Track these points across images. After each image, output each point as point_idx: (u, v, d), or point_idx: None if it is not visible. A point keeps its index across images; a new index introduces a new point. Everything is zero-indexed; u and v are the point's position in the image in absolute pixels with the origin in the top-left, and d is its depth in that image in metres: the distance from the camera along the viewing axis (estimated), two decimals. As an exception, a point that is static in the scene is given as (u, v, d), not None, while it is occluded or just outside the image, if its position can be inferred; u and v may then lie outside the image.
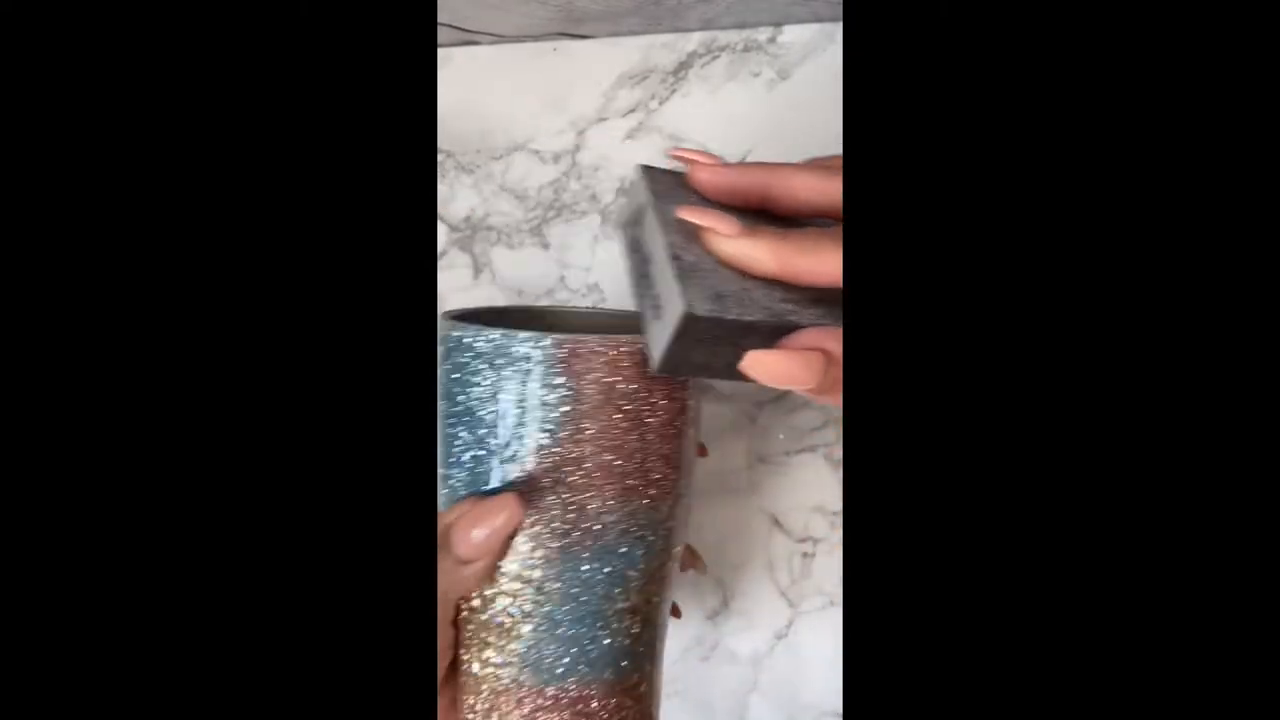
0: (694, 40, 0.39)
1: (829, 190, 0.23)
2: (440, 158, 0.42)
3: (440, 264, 0.43)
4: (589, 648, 0.27)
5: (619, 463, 0.26)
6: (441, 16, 0.35)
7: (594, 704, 0.27)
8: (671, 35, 0.39)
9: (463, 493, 0.28)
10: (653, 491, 0.27)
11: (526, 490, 0.26)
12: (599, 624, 0.27)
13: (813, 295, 0.22)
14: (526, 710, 0.27)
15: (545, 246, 0.42)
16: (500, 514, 0.26)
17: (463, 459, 0.28)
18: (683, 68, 0.39)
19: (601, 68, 0.40)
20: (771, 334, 0.22)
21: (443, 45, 0.41)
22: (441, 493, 0.29)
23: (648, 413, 0.27)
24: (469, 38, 0.40)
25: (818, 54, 0.38)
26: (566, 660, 0.27)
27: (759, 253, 0.22)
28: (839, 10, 0.35)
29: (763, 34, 0.38)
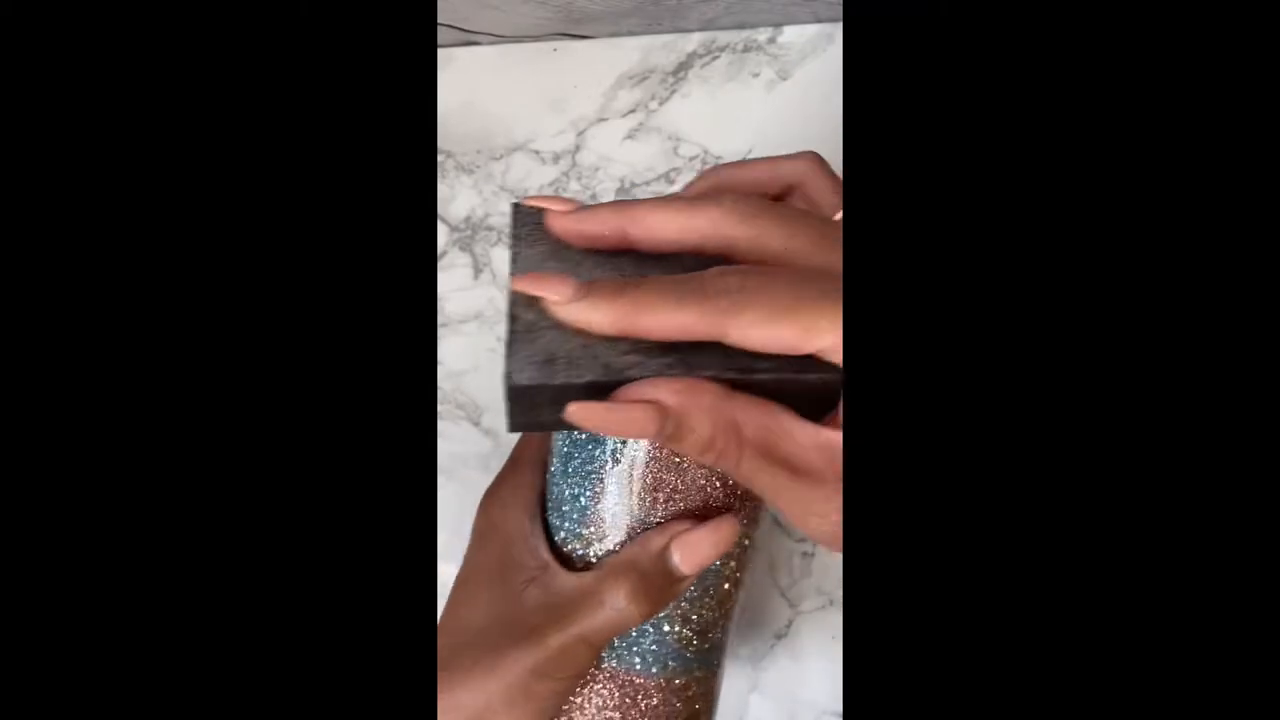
0: (694, 40, 0.39)
1: (689, 226, 0.23)
2: (440, 158, 0.42)
3: (440, 264, 0.43)
4: (641, 639, 0.29)
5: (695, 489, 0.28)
6: (442, 16, 0.35)
7: (639, 691, 0.29)
8: (671, 35, 0.39)
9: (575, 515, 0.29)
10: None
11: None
12: (653, 620, 0.28)
13: (663, 345, 0.22)
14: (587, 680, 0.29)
15: (545, 246, 0.42)
16: (724, 533, 0.27)
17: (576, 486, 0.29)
18: (683, 68, 0.39)
19: (601, 68, 0.40)
20: (609, 391, 0.22)
21: (443, 45, 0.41)
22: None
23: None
24: (469, 38, 0.40)
25: (818, 54, 0.38)
26: (621, 646, 0.29)
27: (594, 314, 0.21)
28: (839, 10, 0.35)
29: (763, 34, 0.38)
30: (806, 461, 0.22)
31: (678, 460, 0.27)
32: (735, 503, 0.28)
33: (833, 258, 0.22)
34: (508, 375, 0.21)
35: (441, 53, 0.41)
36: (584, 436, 0.28)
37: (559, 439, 0.29)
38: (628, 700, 0.29)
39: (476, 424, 0.44)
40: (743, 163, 0.30)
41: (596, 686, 0.29)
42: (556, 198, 0.25)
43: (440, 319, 0.43)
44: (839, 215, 0.27)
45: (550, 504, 0.30)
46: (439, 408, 0.44)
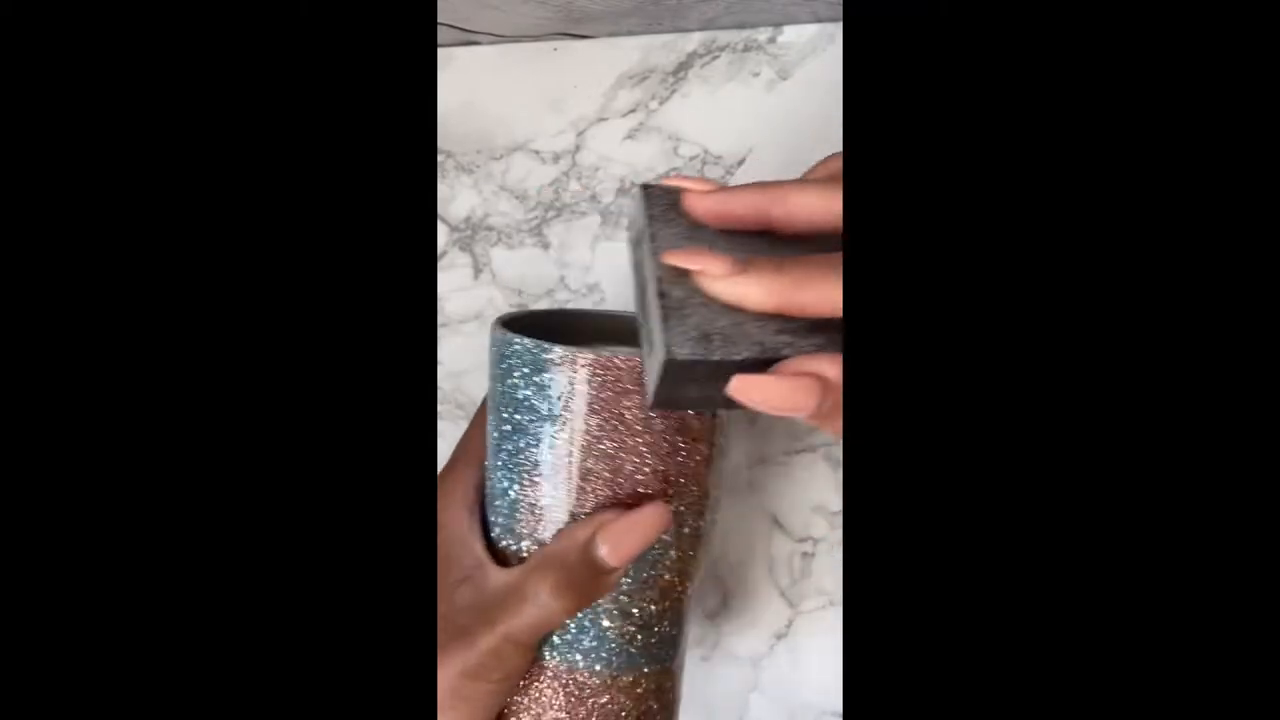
0: (694, 40, 0.39)
1: (831, 207, 0.23)
2: (440, 158, 0.42)
3: (440, 264, 0.43)
4: (581, 636, 0.28)
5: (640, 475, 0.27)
6: (442, 16, 0.35)
7: (585, 689, 0.28)
8: (671, 35, 0.39)
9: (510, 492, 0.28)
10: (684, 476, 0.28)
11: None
12: (591, 616, 0.28)
13: (811, 325, 0.22)
14: (529, 678, 0.29)
15: (545, 246, 0.42)
16: (652, 522, 0.26)
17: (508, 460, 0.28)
18: (683, 68, 0.39)
19: (601, 68, 0.40)
20: (762, 369, 0.21)
21: (443, 45, 0.41)
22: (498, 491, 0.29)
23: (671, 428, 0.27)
24: (469, 38, 0.39)
25: (818, 54, 0.38)
26: (561, 643, 0.28)
27: (752, 290, 0.21)
28: (839, 10, 0.35)
29: (763, 34, 0.38)
30: None
31: (605, 447, 0.27)
32: (671, 490, 0.28)
33: None
34: (667, 348, 0.21)
35: (441, 53, 0.41)
36: (509, 428, 0.28)
37: (491, 431, 0.29)
38: (573, 699, 0.28)
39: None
40: None
41: (541, 685, 0.28)
42: (694, 178, 0.25)
43: (440, 319, 0.43)
44: None
45: (486, 498, 0.30)
46: (439, 408, 0.44)
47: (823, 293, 0.21)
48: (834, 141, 0.38)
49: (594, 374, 0.26)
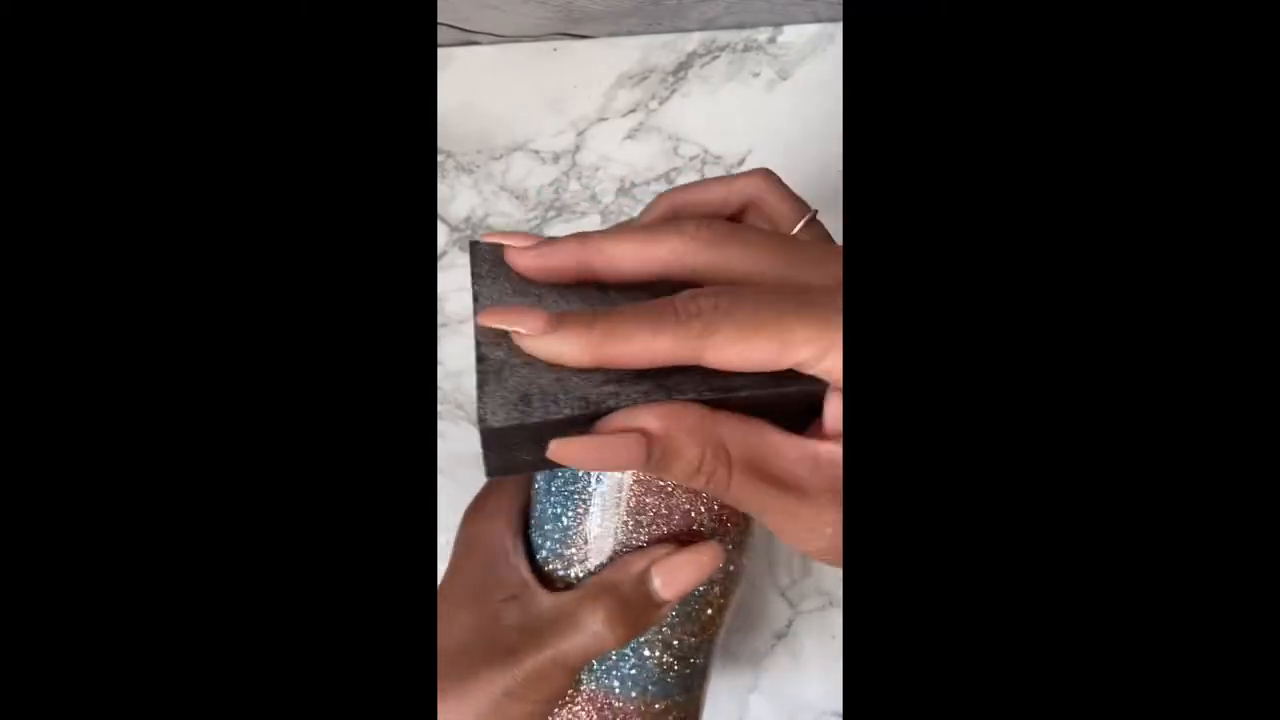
0: (694, 40, 0.39)
1: (652, 255, 0.22)
2: (440, 158, 0.42)
3: (440, 264, 0.43)
4: (621, 663, 0.29)
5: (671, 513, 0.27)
6: (441, 16, 0.35)
7: (618, 714, 0.29)
8: (671, 35, 0.39)
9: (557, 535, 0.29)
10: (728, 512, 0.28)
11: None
12: (634, 645, 0.28)
13: (637, 373, 0.21)
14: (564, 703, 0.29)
15: (545, 246, 0.42)
16: (708, 559, 0.26)
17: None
18: (683, 68, 0.39)
19: (601, 68, 0.40)
20: (589, 424, 0.21)
21: (443, 45, 0.41)
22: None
23: None
24: (469, 38, 0.40)
25: (818, 54, 0.38)
26: (600, 669, 0.28)
27: (565, 347, 0.21)
28: (839, 10, 0.35)
29: (763, 34, 0.38)
30: (795, 476, 0.22)
31: (662, 484, 0.27)
32: (720, 528, 0.28)
33: (797, 272, 0.22)
34: (481, 419, 0.20)
35: (441, 53, 0.41)
36: None
37: None
38: None
39: (476, 424, 0.44)
40: (696, 184, 0.29)
41: (575, 709, 0.28)
42: (515, 234, 0.24)
43: (440, 319, 0.43)
44: (797, 229, 0.27)
45: (533, 522, 0.30)
46: (439, 408, 0.44)
47: (637, 344, 0.20)
48: (834, 141, 0.38)
49: None
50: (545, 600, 0.27)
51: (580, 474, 0.28)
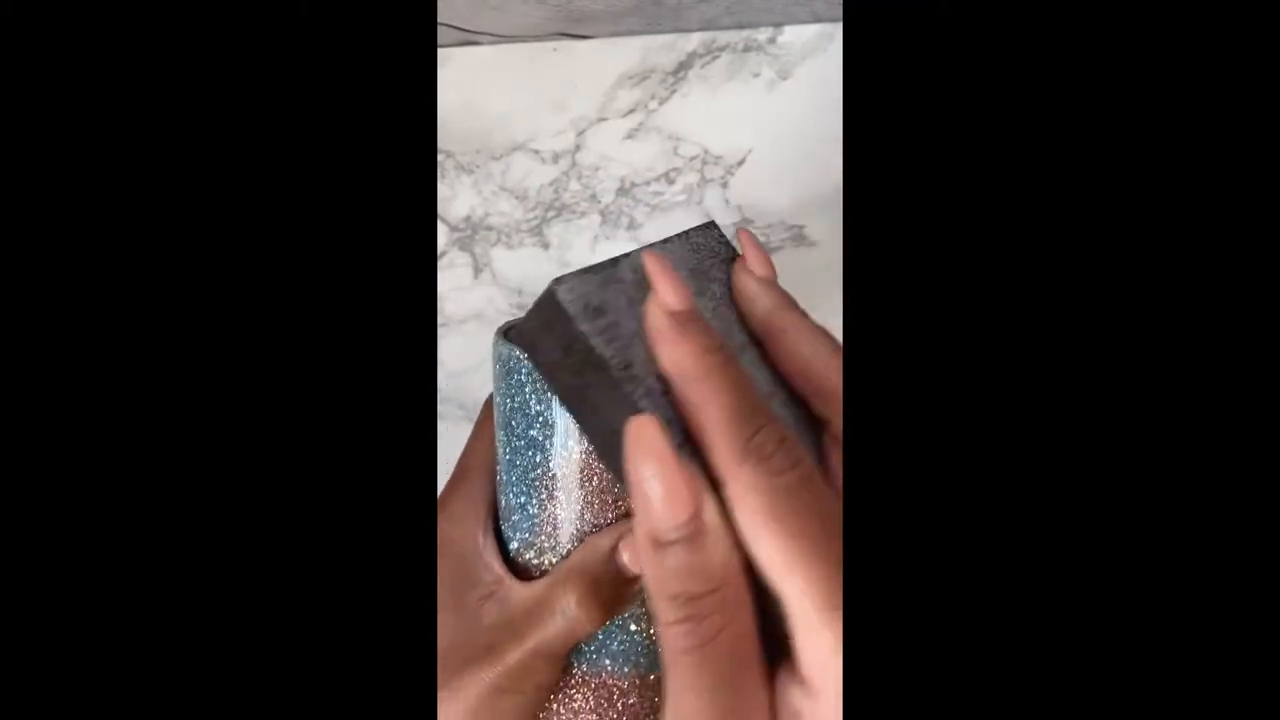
0: (694, 40, 0.39)
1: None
2: (440, 158, 0.42)
3: (440, 264, 0.43)
4: (609, 641, 0.28)
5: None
6: (441, 16, 0.35)
7: (614, 691, 0.29)
8: (671, 35, 0.39)
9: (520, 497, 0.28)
10: None
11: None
12: (619, 621, 0.28)
13: (666, 390, 0.21)
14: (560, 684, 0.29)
15: (545, 246, 0.42)
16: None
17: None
18: (683, 68, 0.39)
19: (601, 68, 0.40)
20: (606, 383, 0.20)
21: (443, 45, 0.41)
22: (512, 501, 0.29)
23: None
24: (469, 38, 0.39)
25: (818, 54, 0.38)
26: (590, 650, 0.28)
27: (672, 349, 0.20)
28: (839, 10, 0.35)
29: (763, 34, 0.38)
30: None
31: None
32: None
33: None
34: (556, 285, 0.21)
35: (441, 53, 0.41)
36: (523, 443, 0.28)
37: (501, 447, 0.29)
38: (604, 702, 0.28)
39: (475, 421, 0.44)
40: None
41: (571, 692, 0.28)
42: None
43: (440, 319, 0.43)
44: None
45: (501, 514, 0.29)
46: (439, 408, 0.44)
47: (711, 390, 0.20)
48: (834, 141, 0.38)
49: None
50: (520, 592, 0.27)
51: (538, 460, 0.27)
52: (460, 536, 0.29)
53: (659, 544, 0.19)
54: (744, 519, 0.19)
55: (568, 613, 0.26)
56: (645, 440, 0.19)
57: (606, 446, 0.21)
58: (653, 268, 0.21)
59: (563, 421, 0.27)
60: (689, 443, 0.20)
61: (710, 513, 0.19)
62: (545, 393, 0.27)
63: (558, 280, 0.21)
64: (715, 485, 0.19)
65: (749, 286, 0.25)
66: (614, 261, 0.23)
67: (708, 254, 0.26)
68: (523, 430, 0.28)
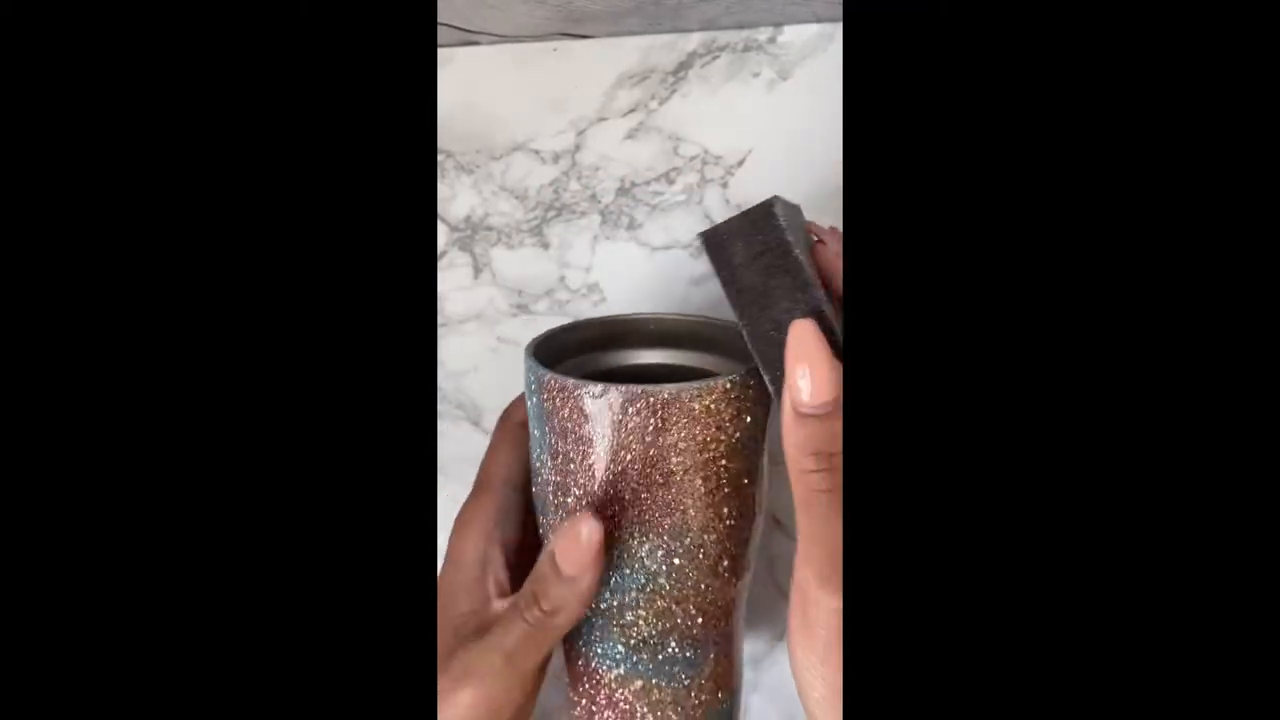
0: (694, 40, 0.39)
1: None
2: (440, 158, 0.42)
3: (440, 264, 0.43)
4: (610, 648, 0.30)
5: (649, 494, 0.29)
6: (441, 16, 0.35)
7: (621, 701, 0.31)
8: (671, 35, 0.39)
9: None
10: (672, 517, 0.29)
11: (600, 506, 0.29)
12: (617, 629, 0.30)
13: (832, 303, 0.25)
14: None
15: (545, 246, 0.42)
16: (583, 530, 0.27)
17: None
18: (683, 68, 0.39)
19: (601, 68, 0.40)
20: (794, 285, 0.24)
21: (443, 45, 0.41)
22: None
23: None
24: (469, 38, 0.39)
25: (818, 54, 0.38)
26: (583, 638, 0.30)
27: (804, 383, 0.23)
28: (839, 10, 0.35)
29: (763, 34, 0.38)
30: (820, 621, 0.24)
31: (656, 478, 0.28)
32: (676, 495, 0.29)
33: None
34: (775, 199, 0.25)
35: (441, 53, 0.41)
36: (561, 459, 0.29)
37: (541, 446, 0.30)
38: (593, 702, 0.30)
39: (476, 424, 0.44)
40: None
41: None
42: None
43: (440, 319, 0.43)
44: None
45: (540, 524, 0.31)
46: (439, 408, 0.44)
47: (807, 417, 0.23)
48: (834, 141, 0.38)
49: (641, 405, 0.27)
50: (497, 605, 0.29)
51: (575, 456, 0.29)
52: (464, 549, 0.31)
53: (802, 417, 0.23)
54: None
55: (531, 614, 0.28)
56: (810, 337, 0.23)
57: (766, 340, 0.25)
58: (806, 347, 0.23)
59: (599, 435, 0.28)
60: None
61: (841, 400, 0.22)
62: (580, 410, 0.28)
63: (774, 198, 0.25)
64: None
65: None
66: (769, 206, 0.26)
67: (798, 222, 0.29)
68: (559, 444, 0.29)
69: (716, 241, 0.26)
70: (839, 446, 0.23)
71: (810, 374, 0.22)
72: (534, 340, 0.33)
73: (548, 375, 0.29)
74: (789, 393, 0.23)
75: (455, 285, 0.43)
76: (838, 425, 0.23)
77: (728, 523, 0.29)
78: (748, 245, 0.25)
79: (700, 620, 0.30)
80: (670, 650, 0.30)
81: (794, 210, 0.27)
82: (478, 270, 0.43)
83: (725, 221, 0.26)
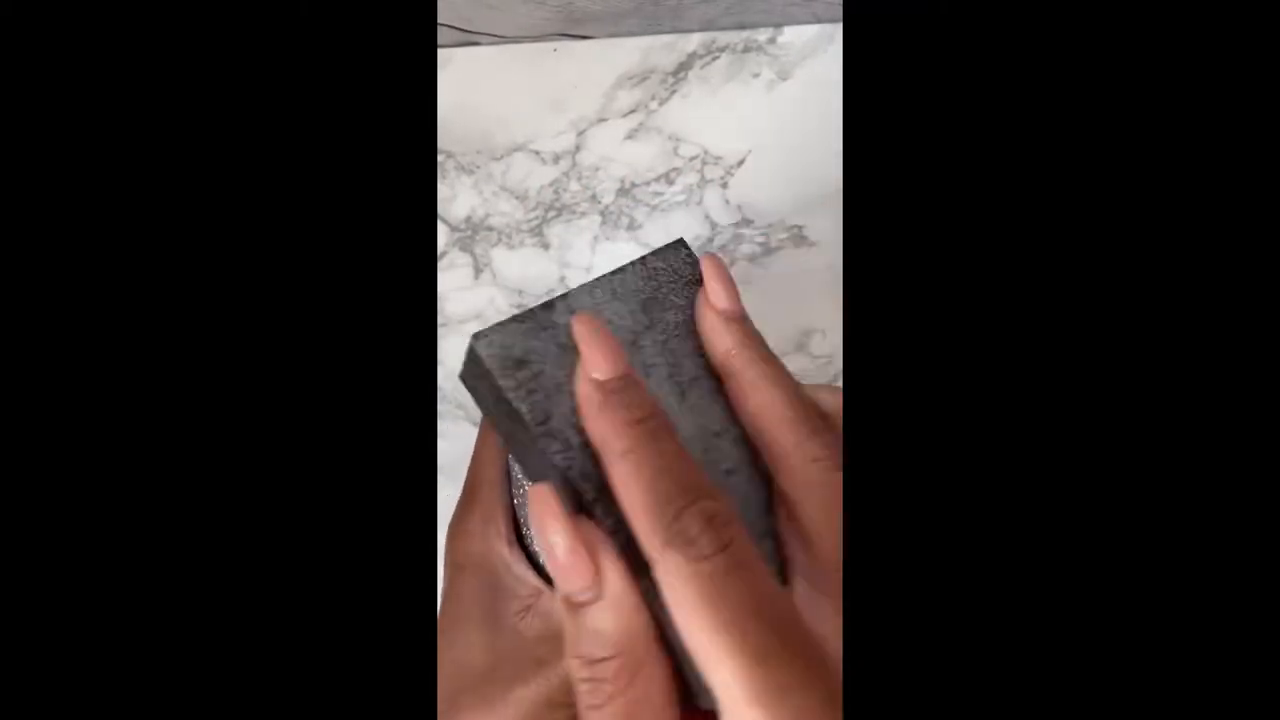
0: (694, 40, 0.39)
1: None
2: (440, 158, 0.42)
3: (440, 264, 0.43)
4: None
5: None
6: (441, 16, 0.35)
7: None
8: (671, 35, 0.39)
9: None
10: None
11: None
12: None
13: (595, 461, 0.20)
14: None
15: (545, 246, 0.42)
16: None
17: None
18: (683, 68, 0.39)
19: (601, 68, 0.40)
20: (526, 438, 0.21)
21: (443, 45, 0.41)
22: None
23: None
24: (469, 38, 0.39)
25: (818, 54, 0.38)
26: None
27: (592, 409, 0.20)
28: (839, 10, 0.35)
29: (763, 34, 0.38)
30: None
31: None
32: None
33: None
34: (477, 338, 0.21)
35: (441, 53, 0.41)
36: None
37: (513, 464, 0.28)
38: None
39: (476, 424, 0.44)
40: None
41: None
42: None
43: (440, 319, 0.43)
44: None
45: (525, 530, 0.29)
46: (439, 408, 0.44)
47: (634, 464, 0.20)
48: (834, 141, 0.38)
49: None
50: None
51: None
52: (485, 552, 0.29)
53: (571, 605, 0.19)
54: (671, 605, 0.18)
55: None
56: (545, 508, 0.19)
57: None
58: (580, 332, 0.21)
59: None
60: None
61: (613, 580, 0.19)
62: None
63: (477, 334, 0.21)
64: (646, 566, 0.19)
65: (706, 320, 0.24)
66: (549, 305, 0.22)
67: (668, 279, 0.25)
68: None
69: (469, 388, 0.22)
70: (607, 650, 0.19)
71: (559, 553, 0.19)
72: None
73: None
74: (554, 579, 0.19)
75: (455, 285, 0.43)
76: (605, 621, 0.19)
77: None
78: (484, 393, 0.22)
79: None
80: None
81: (530, 325, 0.22)
82: (478, 270, 0.43)
83: (463, 365, 0.22)
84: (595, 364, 0.20)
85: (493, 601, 0.28)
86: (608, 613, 0.19)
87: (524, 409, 0.20)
